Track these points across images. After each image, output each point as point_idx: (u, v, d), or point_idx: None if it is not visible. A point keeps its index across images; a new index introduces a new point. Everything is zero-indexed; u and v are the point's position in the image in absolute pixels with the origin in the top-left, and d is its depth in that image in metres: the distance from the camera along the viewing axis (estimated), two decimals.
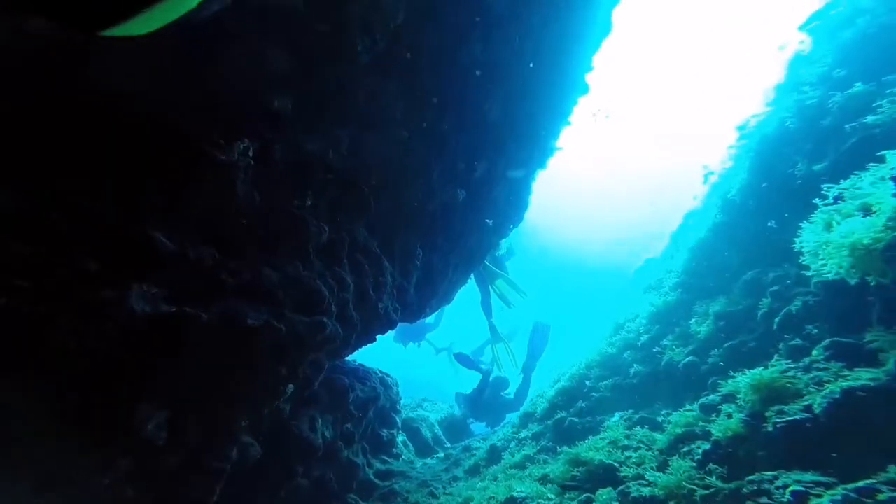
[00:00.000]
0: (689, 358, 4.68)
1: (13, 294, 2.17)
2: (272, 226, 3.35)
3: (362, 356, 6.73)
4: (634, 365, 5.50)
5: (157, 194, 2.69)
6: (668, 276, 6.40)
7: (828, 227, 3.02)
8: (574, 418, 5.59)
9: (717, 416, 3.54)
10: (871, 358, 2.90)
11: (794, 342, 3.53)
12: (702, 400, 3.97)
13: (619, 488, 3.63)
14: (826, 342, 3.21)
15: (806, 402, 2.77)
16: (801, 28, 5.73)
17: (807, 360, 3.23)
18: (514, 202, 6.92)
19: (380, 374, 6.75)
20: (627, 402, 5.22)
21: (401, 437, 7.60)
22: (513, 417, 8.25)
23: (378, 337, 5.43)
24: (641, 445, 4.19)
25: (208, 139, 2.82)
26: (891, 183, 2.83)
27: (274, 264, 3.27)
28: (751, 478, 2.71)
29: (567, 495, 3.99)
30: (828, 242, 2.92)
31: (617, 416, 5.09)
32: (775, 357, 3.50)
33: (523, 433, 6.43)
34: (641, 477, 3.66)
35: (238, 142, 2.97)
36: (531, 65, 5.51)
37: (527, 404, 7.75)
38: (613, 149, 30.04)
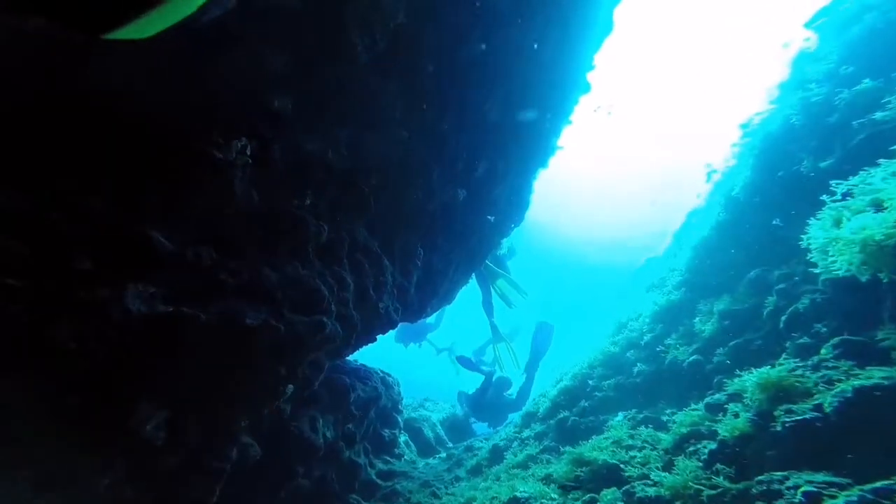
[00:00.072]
0: (694, 357, 4.63)
1: (12, 294, 2.14)
2: (271, 225, 3.32)
3: (363, 357, 6.70)
4: (638, 364, 5.45)
5: (156, 193, 2.66)
6: (671, 275, 6.35)
7: (837, 223, 2.96)
8: (577, 418, 5.54)
9: (723, 416, 3.49)
10: (883, 356, 2.84)
11: (801, 340, 3.47)
12: (707, 399, 3.91)
13: (623, 488, 3.58)
14: (835, 340, 3.15)
15: (816, 402, 2.72)
16: (807, 25, 5.67)
17: (815, 358, 3.17)
18: (515, 201, 6.88)
19: (381, 374, 6.71)
20: (631, 401, 5.17)
21: (403, 437, 7.56)
22: (515, 417, 8.21)
23: (379, 337, 5.39)
24: (646, 445, 4.14)
25: (206, 138, 2.80)
26: None
27: (273, 264, 3.23)
28: (760, 478, 2.66)
29: (571, 495, 3.94)
30: (837, 239, 2.86)
31: (621, 415, 5.04)
32: (783, 356, 3.44)
33: (526, 433, 6.38)
34: (647, 477, 3.61)
35: (236, 140, 2.94)
36: (532, 64, 5.48)
37: (529, 404, 7.70)
38: (615, 147, 29.99)
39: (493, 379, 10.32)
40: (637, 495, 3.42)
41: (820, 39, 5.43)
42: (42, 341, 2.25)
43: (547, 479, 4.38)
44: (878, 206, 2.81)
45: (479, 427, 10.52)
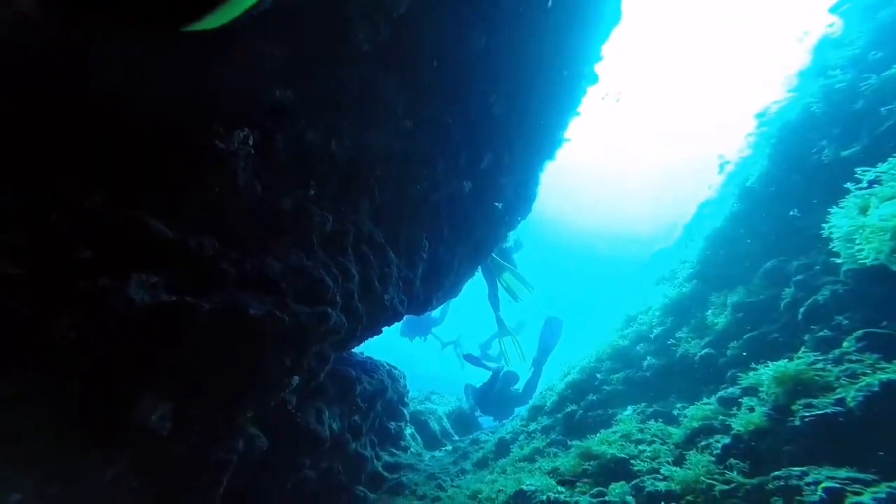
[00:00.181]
0: (706, 350, 4.52)
1: (12, 286, 2.11)
2: (275, 216, 3.28)
3: (369, 350, 6.68)
4: (648, 357, 5.35)
5: (157, 184, 2.63)
6: (682, 267, 6.21)
7: (863, 210, 2.83)
8: (585, 411, 5.48)
9: (737, 410, 3.40)
10: None
11: (821, 333, 3.35)
12: (720, 393, 3.82)
13: (632, 482, 3.51)
14: (859, 333, 3.03)
15: (838, 396, 2.62)
16: (832, 10, 5.46)
17: (837, 351, 3.06)
18: (521, 194, 6.79)
19: (387, 367, 6.69)
20: (640, 395, 5.08)
21: (409, 430, 7.55)
22: (521, 411, 8.17)
23: (384, 331, 5.36)
24: (656, 439, 4.06)
25: (208, 128, 2.76)
26: None
27: (276, 254, 3.18)
28: (777, 473, 2.57)
29: (578, 488, 3.89)
30: (864, 226, 2.73)
31: (630, 409, 4.96)
32: (802, 349, 3.33)
33: (532, 426, 6.33)
34: (656, 471, 3.54)
35: (238, 131, 2.91)
36: (537, 55, 5.37)
37: (536, 397, 7.64)
38: (624, 139, 29.64)
39: (501, 374, 10.29)
40: (647, 489, 3.36)
41: (845, 25, 5.23)
42: (43, 333, 2.22)
43: (554, 473, 4.33)
44: None
45: (485, 420, 10.51)
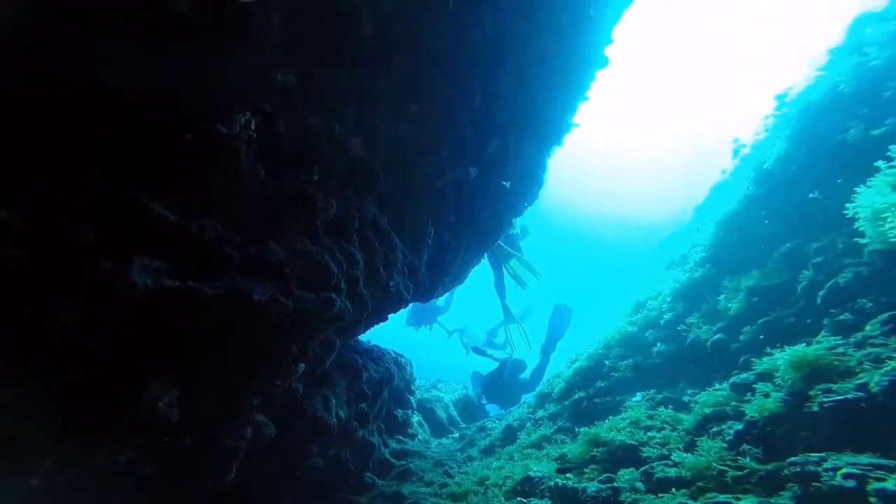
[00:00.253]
0: (718, 336, 4.43)
1: (13, 271, 2.08)
2: (278, 200, 3.22)
3: (374, 339, 6.68)
4: (657, 344, 5.27)
5: (158, 170, 2.58)
6: (693, 251, 6.08)
7: (895, 188, 2.69)
8: (593, 398, 5.43)
9: (751, 396, 3.32)
10: None
11: (841, 317, 3.24)
12: (733, 379, 3.74)
13: (642, 469, 3.47)
14: (884, 316, 2.91)
15: (860, 381, 2.53)
16: None
17: (859, 335, 2.96)
18: (528, 180, 6.67)
19: (394, 355, 6.68)
20: (650, 382, 5.02)
21: (416, 418, 7.58)
22: (528, 398, 8.15)
23: (390, 320, 5.33)
24: (666, 426, 4.01)
25: (210, 113, 2.71)
26: None
27: (280, 240, 3.13)
28: (793, 459, 2.50)
29: (586, 475, 3.86)
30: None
31: (639, 395, 4.90)
32: (822, 333, 3.23)
33: (539, 413, 6.31)
34: (667, 457, 3.50)
35: (239, 115, 2.86)
36: (545, 38, 5.22)
37: (543, 384, 7.62)
38: (635, 124, 29.14)
39: (508, 362, 10.29)
40: (656, 476, 3.31)
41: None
42: (46, 319, 2.19)
43: (561, 459, 4.30)
44: None
45: (492, 408, 10.53)
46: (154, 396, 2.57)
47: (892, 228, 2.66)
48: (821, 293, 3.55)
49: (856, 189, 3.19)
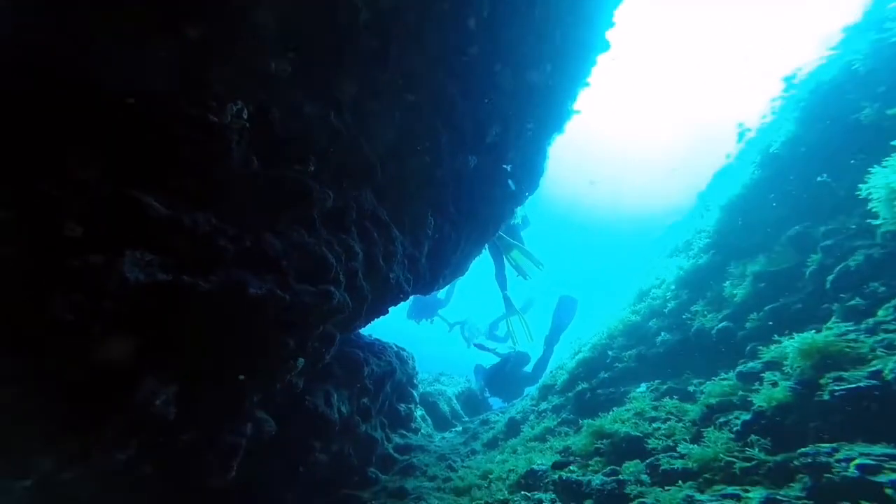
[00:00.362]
0: (724, 324, 4.36)
1: (2, 265, 2.02)
2: (273, 191, 3.15)
3: (376, 333, 6.63)
4: (661, 333, 5.20)
5: (148, 161, 2.51)
6: (697, 238, 5.98)
7: None
8: (597, 389, 5.38)
9: (758, 385, 3.26)
10: None
11: (852, 302, 3.15)
12: (739, 368, 3.67)
13: (647, 461, 3.42)
14: None
15: (873, 368, 2.46)
16: None
17: (871, 321, 2.87)
18: (528, 168, 6.57)
19: (395, 349, 6.63)
20: (654, 372, 4.96)
21: (419, 412, 7.56)
22: (531, 390, 8.11)
23: (392, 314, 5.27)
24: (671, 416, 3.95)
25: (199, 102, 2.63)
26: None
27: (276, 231, 3.06)
28: (803, 450, 2.44)
29: (591, 467, 3.82)
30: None
31: (643, 386, 4.85)
32: (833, 319, 3.15)
33: (543, 405, 6.27)
34: (672, 449, 3.44)
35: (231, 104, 2.78)
36: (544, 22, 5.10)
37: (546, 376, 7.57)
38: (637, 110, 28.84)
39: (512, 355, 10.26)
40: (662, 468, 3.26)
41: None
42: (38, 316, 2.13)
43: (565, 452, 4.26)
44: None
45: (495, 401, 10.52)
46: (150, 394, 2.51)
47: None
48: (830, 277, 3.45)
49: (869, 169, 3.09)
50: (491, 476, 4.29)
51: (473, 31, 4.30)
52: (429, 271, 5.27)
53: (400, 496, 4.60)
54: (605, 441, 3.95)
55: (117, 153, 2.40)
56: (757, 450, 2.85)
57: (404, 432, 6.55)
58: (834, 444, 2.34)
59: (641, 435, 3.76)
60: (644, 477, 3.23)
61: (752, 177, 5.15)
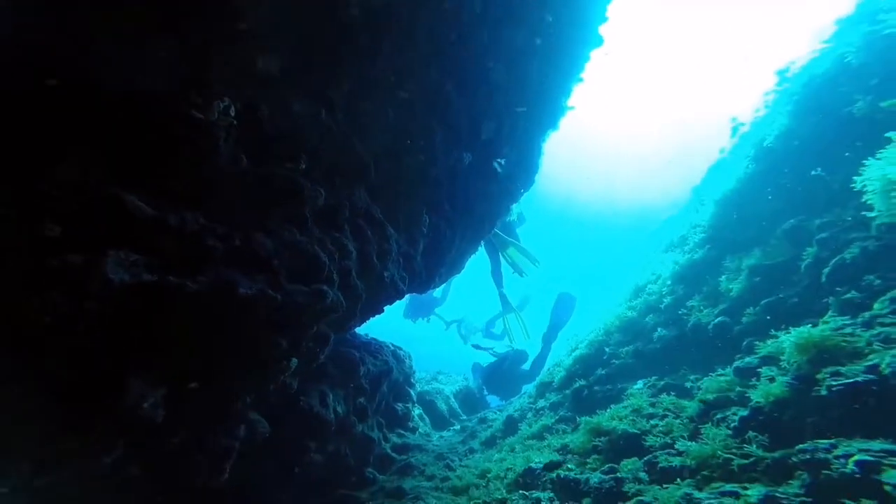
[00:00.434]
0: (720, 318, 4.34)
1: None
2: (263, 190, 3.09)
3: (372, 332, 6.59)
4: (658, 329, 5.19)
5: (134, 159, 2.45)
6: (692, 232, 5.97)
7: None
8: (594, 386, 5.36)
9: (755, 381, 3.24)
10: None
11: (847, 295, 3.13)
12: (736, 363, 3.66)
13: (645, 458, 3.40)
14: (894, 293, 2.81)
15: (870, 362, 2.44)
16: None
17: (867, 314, 2.86)
18: (523, 165, 6.54)
19: (392, 348, 6.59)
20: (651, 368, 4.95)
21: (417, 411, 7.52)
22: (529, 388, 8.10)
23: (388, 313, 5.23)
24: (668, 413, 3.94)
25: (185, 100, 2.58)
26: None
27: (267, 230, 3.00)
28: (802, 446, 2.42)
29: (589, 465, 3.80)
30: None
31: (640, 383, 4.83)
32: (829, 313, 3.14)
33: (540, 403, 6.26)
34: (670, 446, 3.42)
35: (217, 101, 2.72)
36: (537, 17, 5.04)
37: (544, 374, 7.56)
38: (631, 105, 28.87)
39: (510, 354, 10.24)
40: (660, 465, 3.24)
41: None
42: (16, 317, 2.07)
43: (563, 450, 4.24)
44: None
45: (493, 399, 10.51)
46: (138, 396, 2.46)
47: None
48: (826, 270, 3.43)
49: (863, 162, 3.07)
50: (489, 475, 4.27)
51: (466, 26, 4.25)
52: (424, 269, 5.23)
53: (398, 496, 4.57)
54: (602, 438, 3.93)
55: (102, 151, 2.34)
56: (755, 446, 2.83)
57: (402, 431, 6.52)
58: (832, 441, 2.32)
59: (639, 432, 3.74)
60: (642, 475, 3.21)
61: (746, 171, 5.14)
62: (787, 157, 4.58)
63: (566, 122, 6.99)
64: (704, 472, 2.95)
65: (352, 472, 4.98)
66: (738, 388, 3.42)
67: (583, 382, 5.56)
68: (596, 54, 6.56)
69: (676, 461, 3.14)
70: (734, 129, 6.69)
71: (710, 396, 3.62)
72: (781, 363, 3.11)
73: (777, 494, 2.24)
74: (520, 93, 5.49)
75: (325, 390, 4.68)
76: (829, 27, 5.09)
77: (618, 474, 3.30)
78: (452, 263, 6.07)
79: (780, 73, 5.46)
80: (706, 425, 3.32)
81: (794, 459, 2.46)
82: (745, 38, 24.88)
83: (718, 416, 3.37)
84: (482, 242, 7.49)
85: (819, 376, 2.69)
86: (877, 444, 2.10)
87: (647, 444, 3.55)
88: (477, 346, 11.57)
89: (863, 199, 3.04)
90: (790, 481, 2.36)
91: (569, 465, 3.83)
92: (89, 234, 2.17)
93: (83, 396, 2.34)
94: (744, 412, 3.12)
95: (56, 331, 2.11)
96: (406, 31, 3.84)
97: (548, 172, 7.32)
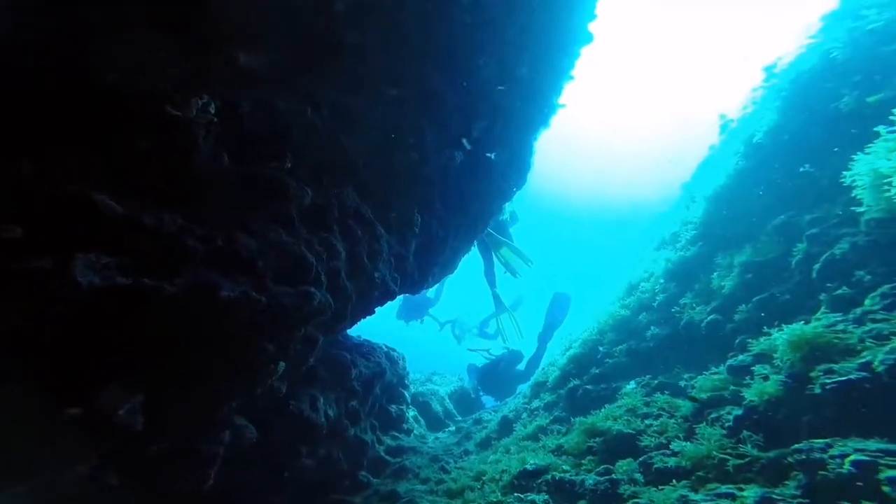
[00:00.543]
0: (713, 316, 4.32)
1: None
2: (247, 189, 3.01)
3: (365, 334, 6.51)
4: (651, 327, 5.16)
5: (106, 158, 2.36)
6: (684, 229, 5.95)
7: None
8: (588, 386, 5.32)
9: (749, 379, 3.21)
10: None
11: (838, 291, 3.12)
12: (729, 361, 3.63)
13: (640, 459, 3.36)
14: (884, 289, 2.79)
15: (863, 360, 2.41)
16: None
17: (858, 310, 2.84)
18: (515, 163, 6.49)
19: (385, 349, 6.51)
20: (645, 366, 4.92)
21: (411, 413, 7.45)
22: (524, 388, 8.05)
23: (381, 315, 5.15)
24: (662, 413, 3.91)
25: (163, 96, 2.49)
26: None
27: (251, 231, 2.92)
28: (797, 446, 2.39)
29: (584, 466, 3.75)
30: None
31: (633, 382, 4.80)
32: (822, 310, 3.11)
33: (535, 403, 6.21)
34: (665, 446, 3.39)
35: (195, 98, 2.64)
36: (527, 16, 5.00)
37: (538, 374, 7.52)
38: (621, 103, 28.98)
39: (505, 354, 10.20)
40: (655, 466, 3.20)
41: None
42: None
43: (558, 451, 4.19)
44: None
45: (488, 400, 10.46)
46: (112, 403, 2.36)
47: (892, 196, 2.52)
48: (816, 266, 3.42)
49: (852, 157, 3.06)
50: (484, 477, 4.21)
51: (457, 22, 4.19)
52: (417, 269, 5.16)
53: (392, 500, 4.50)
54: (597, 439, 3.89)
55: (75, 150, 2.25)
56: (750, 446, 2.80)
57: (396, 434, 6.44)
58: (828, 440, 2.29)
59: (634, 432, 3.70)
60: (637, 476, 3.17)
61: (736, 167, 5.13)
62: (777, 152, 4.57)
63: (558, 121, 6.96)
64: (700, 473, 2.92)
65: (345, 477, 4.89)
66: (731, 387, 3.39)
67: (577, 382, 5.52)
68: (586, 51, 6.54)
69: (672, 462, 3.10)
70: (723, 126, 6.69)
71: (704, 395, 3.59)
72: (775, 361, 3.09)
73: (773, 496, 2.20)
74: (511, 92, 5.45)
75: (316, 394, 4.59)
76: (817, 23, 5.10)
77: (613, 476, 3.25)
78: (445, 263, 6.00)
79: (768, 69, 5.46)
80: (701, 425, 3.29)
81: (790, 459, 2.43)
82: (736, 35, 25.07)
83: (713, 415, 3.34)
84: (475, 242, 7.44)
85: (813, 374, 2.66)
86: (872, 444, 2.06)
87: (643, 444, 3.52)
88: (472, 350, 11.53)
89: (852, 195, 3.03)
90: (786, 482, 2.33)
91: (564, 467, 3.78)
92: (58, 236, 2.07)
93: (52, 405, 2.24)
94: (738, 411, 3.09)
95: (21, 338, 2.02)
96: (393, 28, 3.77)
97: (540, 171, 7.28)
